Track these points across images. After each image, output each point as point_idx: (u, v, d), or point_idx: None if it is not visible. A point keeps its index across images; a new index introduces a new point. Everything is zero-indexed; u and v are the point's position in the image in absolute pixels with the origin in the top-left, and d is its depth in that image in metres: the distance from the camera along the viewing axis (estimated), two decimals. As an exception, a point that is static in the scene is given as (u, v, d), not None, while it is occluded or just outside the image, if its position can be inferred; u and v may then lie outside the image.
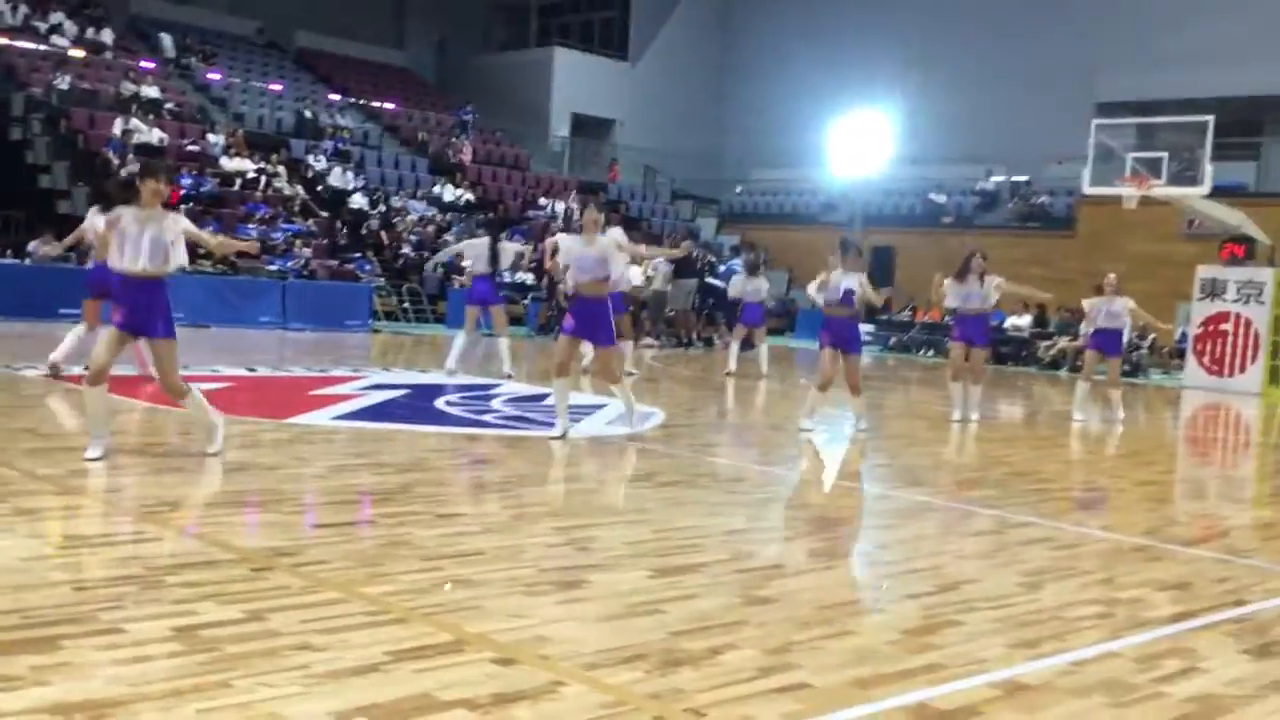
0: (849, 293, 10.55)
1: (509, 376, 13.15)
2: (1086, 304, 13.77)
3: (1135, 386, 21.69)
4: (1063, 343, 24.38)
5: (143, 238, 6.77)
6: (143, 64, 27.22)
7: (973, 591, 5.11)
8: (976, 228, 30.82)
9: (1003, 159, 31.04)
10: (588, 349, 15.50)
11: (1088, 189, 22.66)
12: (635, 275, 23.46)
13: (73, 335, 10.63)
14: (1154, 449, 12.44)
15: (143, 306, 6.86)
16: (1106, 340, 13.57)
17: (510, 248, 14.55)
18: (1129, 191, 21.13)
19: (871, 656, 4.08)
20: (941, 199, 31.80)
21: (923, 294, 28.81)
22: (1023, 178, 31.06)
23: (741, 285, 17.47)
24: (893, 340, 27.91)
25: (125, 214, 6.90)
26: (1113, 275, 13.75)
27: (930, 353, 26.77)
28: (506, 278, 20.13)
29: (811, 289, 11.11)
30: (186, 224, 7.03)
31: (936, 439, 11.30)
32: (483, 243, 13.77)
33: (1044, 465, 9.95)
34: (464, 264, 14.97)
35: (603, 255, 8.97)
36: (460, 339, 13.38)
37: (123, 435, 8.30)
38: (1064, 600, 5.06)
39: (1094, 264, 27.16)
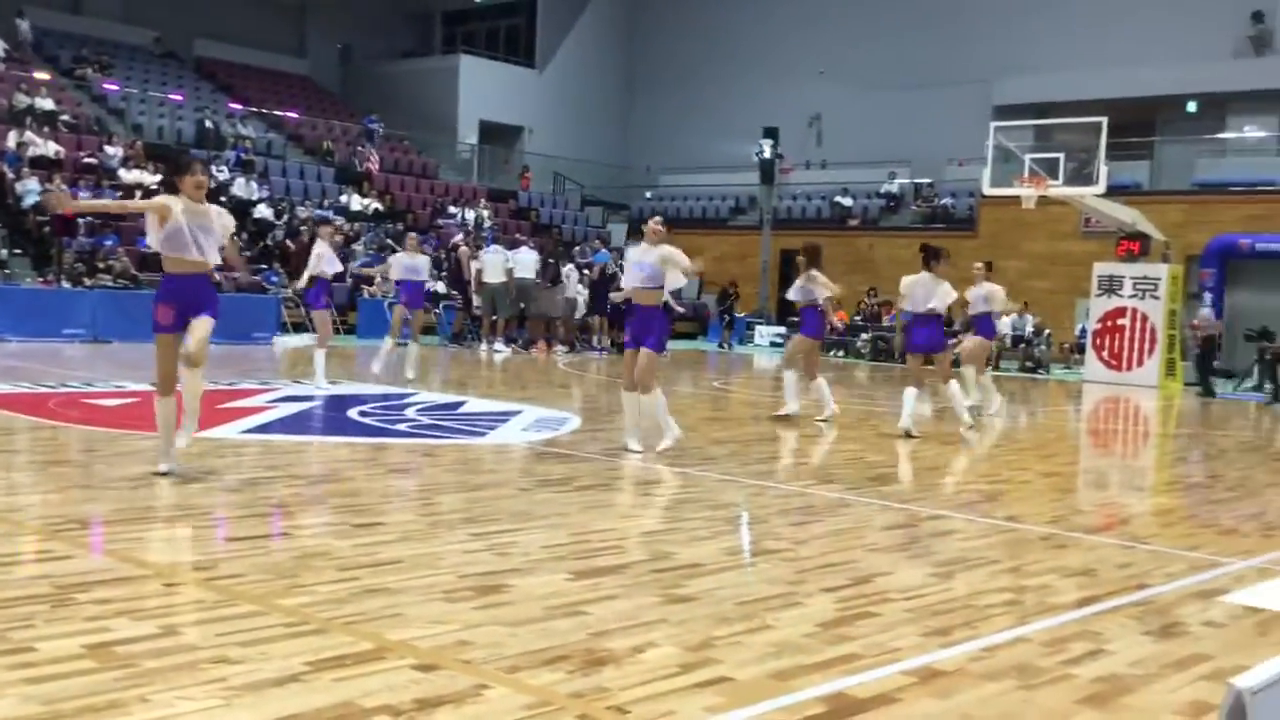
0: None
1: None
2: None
3: (1037, 381, 22.23)
4: (969, 342, 24.82)
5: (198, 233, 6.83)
6: (36, 75, 26.52)
7: (886, 584, 5.21)
8: (882, 229, 31.36)
9: (906, 161, 31.61)
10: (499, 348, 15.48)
11: (988, 190, 23.18)
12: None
13: None
14: (1056, 441, 12.76)
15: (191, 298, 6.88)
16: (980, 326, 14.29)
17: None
18: (1027, 192, 21.65)
19: (790, 649, 4.15)
20: (848, 202, 32.27)
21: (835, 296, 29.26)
22: (926, 180, 31.65)
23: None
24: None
25: (175, 205, 6.79)
26: (978, 264, 14.34)
27: (841, 353, 27.14)
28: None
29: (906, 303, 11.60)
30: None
31: (848, 436, 11.47)
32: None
33: (952, 460, 10.16)
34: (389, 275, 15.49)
35: (658, 264, 9.02)
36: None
37: (26, 453, 8.11)
38: (974, 589, 5.19)
39: (996, 262, 27.82)
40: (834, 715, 3.53)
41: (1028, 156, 22.25)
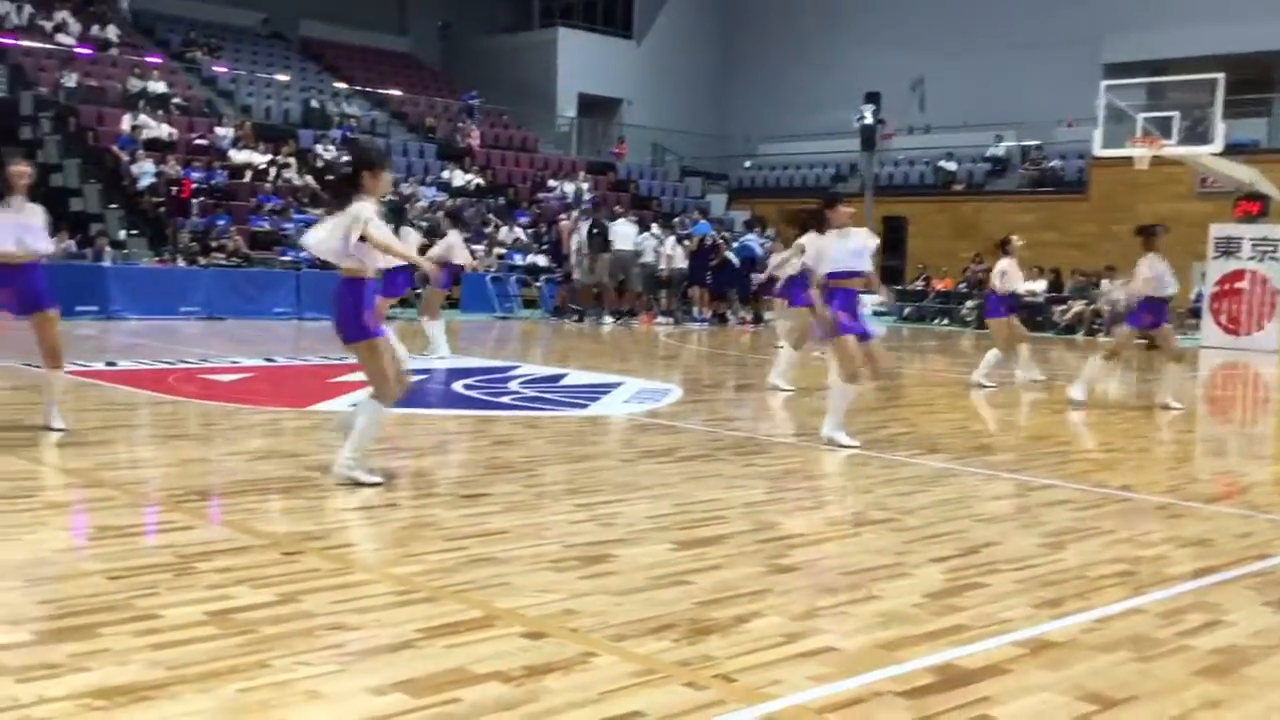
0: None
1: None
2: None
3: (1152, 348, 21.62)
4: (1078, 307, 24.33)
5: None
6: (148, 59, 27.24)
7: (995, 554, 5.14)
8: (988, 194, 30.73)
9: (1013, 124, 30.87)
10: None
11: (1099, 151, 22.57)
12: (648, 252, 23.47)
13: None
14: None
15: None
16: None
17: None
18: (1140, 152, 21.03)
19: (896, 620, 4.12)
20: (952, 166, 31.67)
21: (936, 264, 28.85)
22: (1033, 142, 30.90)
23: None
24: (907, 310, 27.89)
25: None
26: (1014, 237, 13.23)
27: (945, 321, 26.74)
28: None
29: (1138, 286, 11.20)
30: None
31: (956, 405, 11.31)
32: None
33: (1061, 429, 9.96)
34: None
35: (861, 248, 8.26)
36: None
37: (148, 427, 8.39)
38: (1087, 560, 5.09)
39: (1107, 226, 27.07)
40: (943, 686, 3.50)
41: (1140, 116, 21.59)
